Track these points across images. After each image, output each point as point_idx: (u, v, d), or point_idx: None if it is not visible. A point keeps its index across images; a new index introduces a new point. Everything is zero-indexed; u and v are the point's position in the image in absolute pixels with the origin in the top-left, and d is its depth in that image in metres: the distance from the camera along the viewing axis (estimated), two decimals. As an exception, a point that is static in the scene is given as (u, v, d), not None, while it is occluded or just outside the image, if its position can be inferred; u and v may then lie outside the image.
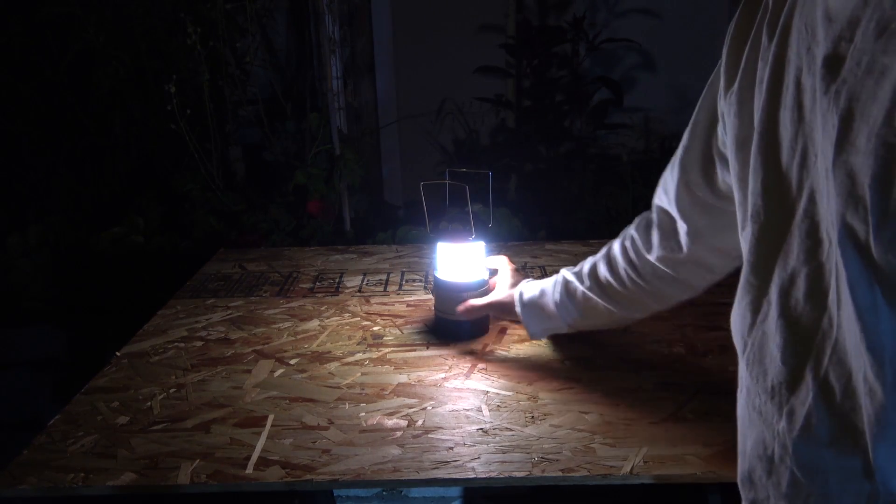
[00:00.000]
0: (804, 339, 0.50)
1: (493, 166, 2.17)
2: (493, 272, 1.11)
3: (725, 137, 0.64)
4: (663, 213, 0.82)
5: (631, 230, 0.88)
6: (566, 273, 0.96)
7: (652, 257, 0.84)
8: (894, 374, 0.42)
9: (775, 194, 0.53)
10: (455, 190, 1.08)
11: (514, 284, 1.04)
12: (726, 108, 0.62)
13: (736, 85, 0.59)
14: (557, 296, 0.95)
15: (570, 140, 2.21)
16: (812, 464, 0.49)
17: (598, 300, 0.91)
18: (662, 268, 0.84)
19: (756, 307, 0.55)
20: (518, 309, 0.99)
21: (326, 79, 1.95)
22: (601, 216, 2.01)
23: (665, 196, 0.80)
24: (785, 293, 0.51)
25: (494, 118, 2.31)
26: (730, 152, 0.62)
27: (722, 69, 0.63)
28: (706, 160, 0.72)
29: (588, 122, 2.21)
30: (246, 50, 1.95)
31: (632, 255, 0.87)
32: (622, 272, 0.88)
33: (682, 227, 0.80)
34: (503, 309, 1.03)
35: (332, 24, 1.98)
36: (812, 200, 0.49)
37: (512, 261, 1.11)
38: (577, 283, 0.93)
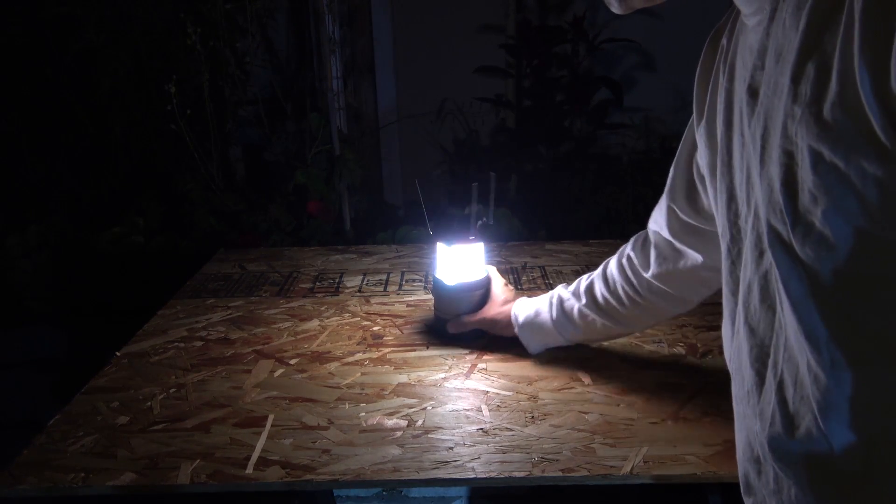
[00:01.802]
0: (762, 342, 0.54)
1: (493, 166, 2.17)
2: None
3: (702, 166, 0.71)
4: (658, 235, 0.87)
5: (627, 250, 0.92)
6: (562, 291, 0.99)
7: (648, 275, 0.88)
8: (831, 357, 0.45)
9: (733, 213, 0.58)
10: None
11: (506, 301, 1.06)
12: (699, 140, 0.68)
13: (704, 119, 0.65)
14: (555, 314, 0.98)
15: (570, 140, 2.21)
16: (785, 457, 0.51)
17: (596, 316, 0.95)
18: (658, 284, 0.88)
19: (733, 319, 0.60)
20: (516, 330, 1.01)
21: (326, 79, 1.95)
22: (601, 216, 2.01)
23: (657, 222, 0.86)
24: (746, 303, 0.55)
25: (494, 118, 2.31)
26: (707, 181, 0.68)
27: (694, 104, 0.69)
28: (689, 188, 0.79)
29: (588, 122, 2.21)
30: (246, 50, 1.95)
31: (629, 273, 0.91)
32: (619, 290, 0.92)
33: (676, 248, 0.85)
34: (495, 325, 1.04)
35: (332, 24, 1.98)
36: (756, 215, 0.53)
37: (503, 268, 1.12)
38: (573, 301, 0.96)
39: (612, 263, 0.94)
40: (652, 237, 0.88)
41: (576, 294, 0.97)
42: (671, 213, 0.83)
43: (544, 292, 1.03)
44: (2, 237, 1.75)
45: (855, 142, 0.40)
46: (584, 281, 0.97)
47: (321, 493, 1.39)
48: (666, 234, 0.85)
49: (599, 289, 0.94)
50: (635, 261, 0.90)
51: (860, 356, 0.44)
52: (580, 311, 0.95)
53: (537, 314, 1.00)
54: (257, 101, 1.93)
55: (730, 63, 0.59)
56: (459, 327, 1.06)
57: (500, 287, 1.09)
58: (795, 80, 0.44)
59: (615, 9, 0.61)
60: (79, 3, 1.80)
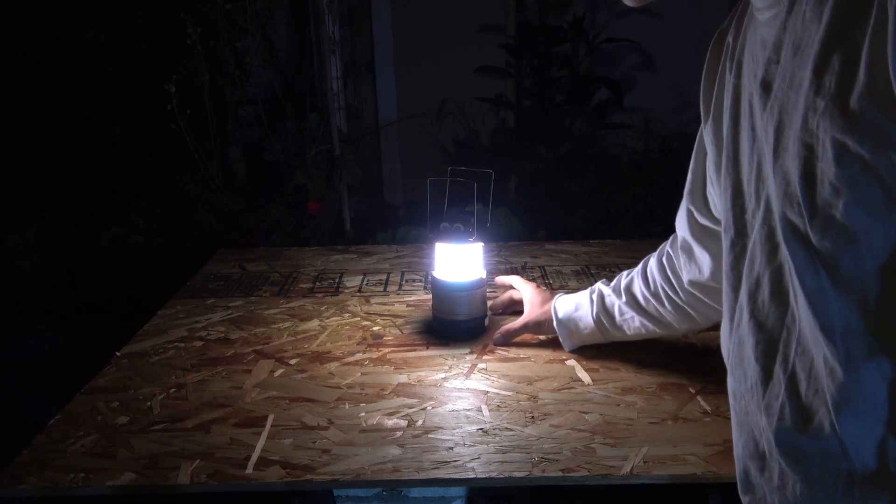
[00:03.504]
0: (771, 337, 0.53)
1: (493, 166, 2.16)
2: (509, 289, 1.13)
3: (708, 165, 0.71)
4: (683, 239, 0.86)
5: (667, 247, 0.91)
6: (602, 287, 0.98)
7: (685, 277, 0.87)
8: (846, 351, 0.45)
9: (739, 208, 0.58)
10: (456, 189, 1.08)
11: (544, 300, 1.05)
12: (706, 139, 0.68)
13: (710, 118, 0.65)
14: (595, 310, 0.97)
15: (570, 140, 2.21)
16: (793, 452, 0.51)
17: (635, 314, 0.94)
18: (691, 290, 0.87)
19: (732, 314, 0.60)
20: (554, 324, 1.00)
21: (326, 79, 1.95)
22: (601, 216, 2.01)
23: (680, 225, 0.85)
24: (752, 297, 0.55)
25: (494, 118, 2.31)
26: (712, 179, 0.68)
27: (700, 105, 0.69)
28: (704, 188, 0.78)
29: (588, 122, 2.21)
30: (246, 50, 1.94)
31: (668, 272, 0.89)
32: (660, 290, 0.90)
33: (698, 252, 0.84)
34: (540, 328, 1.03)
35: (332, 24, 1.98)
36: (768, 208, 0.53)
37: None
38: (614, 298, 0.96)
39: (653, 262, 0.93)
40: (680, 241, 0.87)
41: (616, 291, 0.96)
42: (690, 216, 0.82)
43: (544, 292, 1.03)
44: (2, 237, 1.75)
45: (884, 133, 0.40)
46: (624, 278, 0.96)
47: (321, 493, 1.39)
48: (688, 237, 0.84)
49: (640, 288, 0.93)
50: (675, 261, 0.88)
51: (877, 350, 0.44)
52: (620, 308, 0.95)
53: (577, 308, 0.99)
54: (257, 101, 1.93)
55: (737, 60, 0.59)
56: (507, 338, 1.04)
57: (531, 290, 1.09)
58: (818, 72, 0.44)
59: (629, 1, 0.61)
60: (79, 3, 1.80)
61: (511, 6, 2.18)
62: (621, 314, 0.95)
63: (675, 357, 1.00)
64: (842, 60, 0.42)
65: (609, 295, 0.96)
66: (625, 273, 0.97)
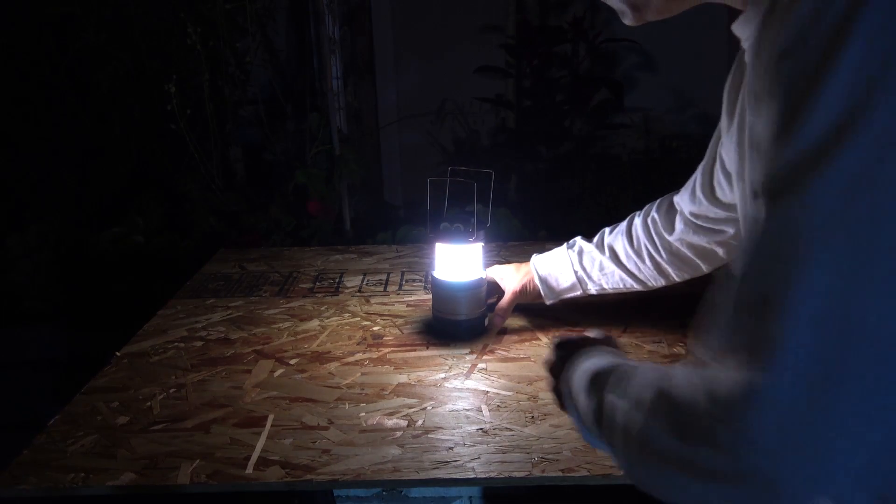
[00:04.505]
0: None
1: (493, 166, 2.16)
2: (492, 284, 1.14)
3: (727, 162, 0.79)
4: (680, 206, 0.94)
5: (653, 211, 0.99)
6: (584, 244, 1.05)
7: (672, 238, 0.95)
8: None
9: None
10: (456, 189, 1.08)
11: (518, 268, 1.11)
12: (727, 141, 0.75)
13: (734, 126, 0.70)
14: (575, 266, 1.04)
15: (570, 140, 2.21)
16: None
17: (616, 269, 1.02)
18: (681, 248, 0.96)
19: None
20: (536, 281, 1.07)
21: (326, 79, 1.95)
22: (601, 216, 2.00)
23: (683, 198, 0.93)
24: None
25: (494, 118, 2.31)
26: (732, 179, 0.74)
27: (723, 110, 0.74)
28: (712, 174, 0.86)
29: (588, 122, 2.21)
30: (246, 50, 1.95)
31: (653, 233, 0.98)
32: (643, 248, 0.99)
33: (696, 222, 0.92)
34: (526, 294, 1.09)
35: (332, 24, 1.98)
36: None
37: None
38: (596, 253, 1.03)
39: (638, 222, 1.00)
40: (676, 206, 0.95)
41: (599, 247, 1.03)
42: (697, 192, 0.89)
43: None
44: (2, 237, 1.75)
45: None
46: (607, 235, 1.04)
47: (321, 493, 1.39)
48: (686, 210, 0.92)
49: (623, 244, 1.01)
50: (660, 223, 0.97)
51: None
52: (601, 263, 1.02)
53: (557, 264, 1.06)
54: (257, 101, 1.93)
55: None
56: (504, 316, 1.08)
57: (499, 267, 1.13)
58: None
59: (628, 21, 0.64)
60: (79, 3, 1.80)
61: (511, 6, 2.18)
62: (601, 269, 1.03)
63: (676, 357, 0.99)
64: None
65: (591, 251, 1.04)
66: (608, 229, 1.04)
